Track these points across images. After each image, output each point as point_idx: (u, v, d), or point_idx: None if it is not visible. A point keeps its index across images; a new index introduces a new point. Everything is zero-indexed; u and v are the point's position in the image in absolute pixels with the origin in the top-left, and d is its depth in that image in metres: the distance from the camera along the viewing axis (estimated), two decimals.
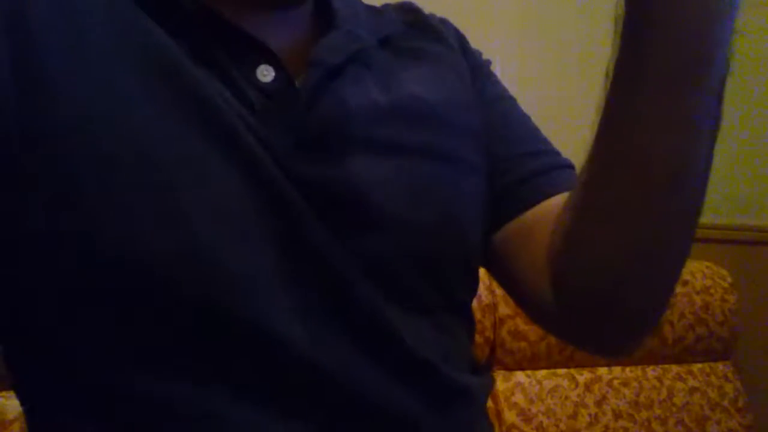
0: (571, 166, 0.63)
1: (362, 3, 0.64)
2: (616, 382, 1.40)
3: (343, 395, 0.48)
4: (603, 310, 0.54)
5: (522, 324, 1.33)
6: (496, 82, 0.67)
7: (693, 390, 1.45)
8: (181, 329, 0.46)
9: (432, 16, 0.67)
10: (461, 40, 0.67)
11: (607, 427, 1.36)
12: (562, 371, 1.38)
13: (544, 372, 1.37)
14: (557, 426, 1.32)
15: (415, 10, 0.67)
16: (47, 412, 0.50)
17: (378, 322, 0.50)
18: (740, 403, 1.48)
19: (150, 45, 0.48)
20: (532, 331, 1.34)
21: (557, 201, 0.58)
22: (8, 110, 0.45)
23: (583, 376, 1.38)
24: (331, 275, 0.48)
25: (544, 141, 0.65)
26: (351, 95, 0.54)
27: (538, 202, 0.60)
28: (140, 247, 0.44)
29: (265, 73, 0.51)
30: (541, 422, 1.31)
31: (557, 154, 0.64)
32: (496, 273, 0.64)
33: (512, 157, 0.62)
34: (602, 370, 1.40)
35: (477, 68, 0.66)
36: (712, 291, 1.50)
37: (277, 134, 0.49)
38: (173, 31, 0.49)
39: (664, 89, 0.44)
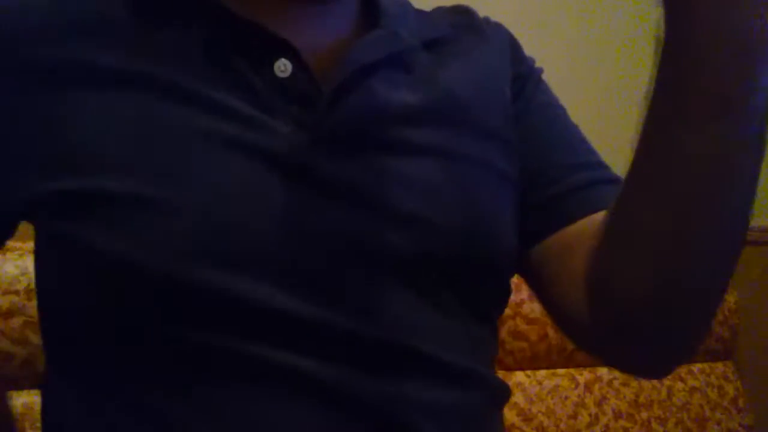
0: (619, 181, 0.60)
1: (412, 6, 0.62)
2: (616, 382, 1.40)
3: (337, 387, 0.48)
4: (638, 334, 0.52)
5: (522, 324, 1.33)
6: (545, 91, 0.65)
7: (693, 390, 1.45)
8: (204, 326, 0.47)
9: (486, 19, 0.66)
10: (513, 46, 0.65)
11: (607, 427, 1.36)
12: (562, 371, 1.38)
13: (544, 372, 1.37)
14: (557, 426, 1.32)
15: (466, 12, 0.65)
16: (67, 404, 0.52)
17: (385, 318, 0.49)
18: (740, 403, 1.48)
19: (161, 69, 0.49)
20: (532, 331, 1.34)
21: (601, 217, 0.56)
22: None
23: (583, 376, 1.38)
24: (345, 269, 0.48)
25: (592, 153, 0.63)
26: (379, 95, 0.53)
27: (582, 217, 0.58)
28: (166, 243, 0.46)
29: (283, 68, 0.50)
30: (541, 422, 1.31)
31: (605, 167, 0.62)
32: (532, 285, 0.62)
33: (557, 168, 0.60)
34: (602, 370, 1.40)
35: (525, 76, 0.64)
36: None
37: (289, 131, 0.49)
38: (189, 33, 0.50)
39: (702, 114, 0.42)
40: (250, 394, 0.46)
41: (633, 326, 0.52)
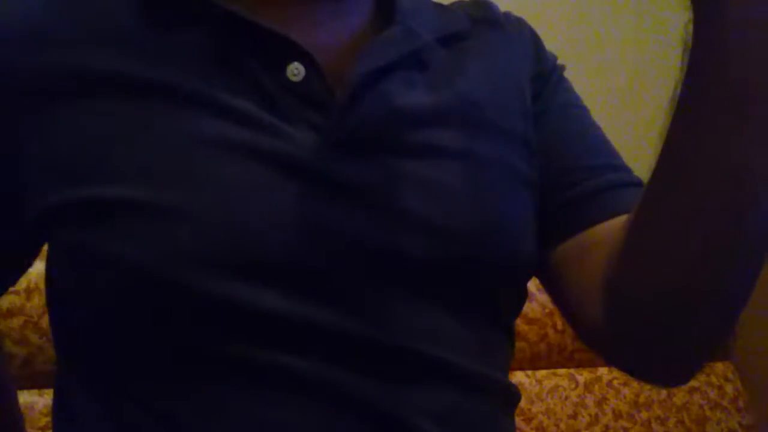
0: (641, 184, 0.58)
1: (431, 0, 0.61)
2: (616, 382, 1.40)
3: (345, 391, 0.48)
4: (653, 341, 0.51)
5: (522, 324, 1.33)
6: (567, 89, 0.64)
7: (693, 390, 1.44)
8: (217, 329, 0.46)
9: (507, 14, 0.64)
10: (535, 43, 0.64)
11: (607, 427, 1.36)
12: (562, 371, 1.38)
13: (544, 372, 1.37)
14: (557, 426, 1.32)
15: (487, 6, 0.64)
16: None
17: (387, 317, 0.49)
18: (740, 403, 1.48)
19: (171, 73, 0.48)
20: (532, 331, 1.34)
21: (622, 221, 0.54)
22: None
23: (583, 376, 1.38)
24: (361, 274, 0.48)
25: (615, 155, 0.61)
26: (394, 97, 0.52)
27: (604, 220, 0.56)
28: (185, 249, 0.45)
29: (296, 72, 0.49)
30: (541, 422, 1.31)
31: (627, 170, 0.61)
32: (547, 286, 0.61)
33: (579, 169, 0.59)
34: (602, 370, 1.40)
35: (547, 74, 0.62)
36: None
37: (304, 136, 0.48)
38: (199, 37, 0.49)
39: (732, 117, 0.42)
40: (257, 396, 0.46)
41: (651, 332, 0.51)
